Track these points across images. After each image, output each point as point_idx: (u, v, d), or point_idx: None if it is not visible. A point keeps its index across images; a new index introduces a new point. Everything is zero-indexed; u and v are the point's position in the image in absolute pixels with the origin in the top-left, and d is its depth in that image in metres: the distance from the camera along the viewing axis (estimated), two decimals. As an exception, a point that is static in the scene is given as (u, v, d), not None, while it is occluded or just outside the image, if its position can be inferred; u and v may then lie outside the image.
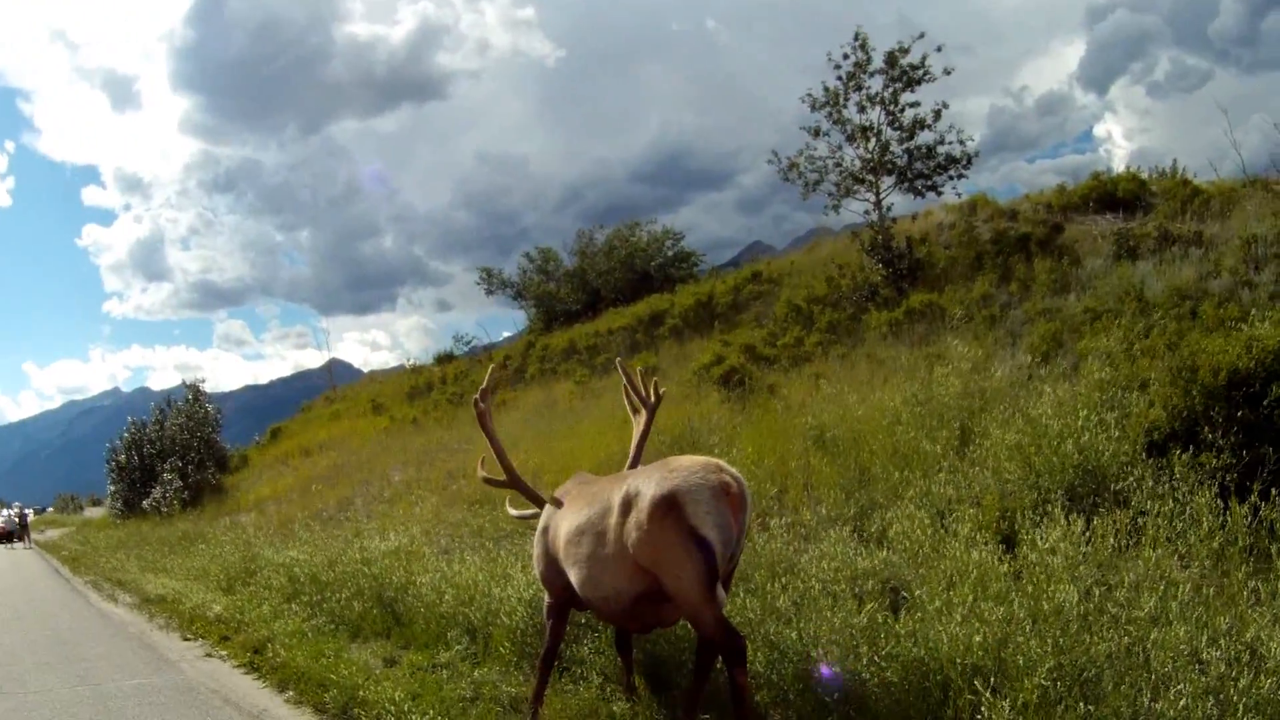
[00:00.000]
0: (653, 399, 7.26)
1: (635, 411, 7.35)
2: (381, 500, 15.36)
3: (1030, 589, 5.47)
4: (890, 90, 17.98)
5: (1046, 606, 5.15)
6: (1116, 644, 4.76)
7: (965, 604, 5.43)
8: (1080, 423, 7.56)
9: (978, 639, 4.99)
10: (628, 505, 5.43)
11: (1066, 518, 6.24)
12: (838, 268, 18.60)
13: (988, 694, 4.51)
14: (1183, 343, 8.22)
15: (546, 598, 6.41)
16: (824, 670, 5.03)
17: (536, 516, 6.84)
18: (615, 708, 6.10)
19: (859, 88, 18.12)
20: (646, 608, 5.57)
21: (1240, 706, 4.09)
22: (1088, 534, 6.05)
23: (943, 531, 6.90)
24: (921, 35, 17.91)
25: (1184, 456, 6.58)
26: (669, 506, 5.17)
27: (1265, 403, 6.69)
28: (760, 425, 11.92)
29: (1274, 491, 5.88)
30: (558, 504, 6.44)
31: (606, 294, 26.63)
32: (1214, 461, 6.50)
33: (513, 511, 7.39)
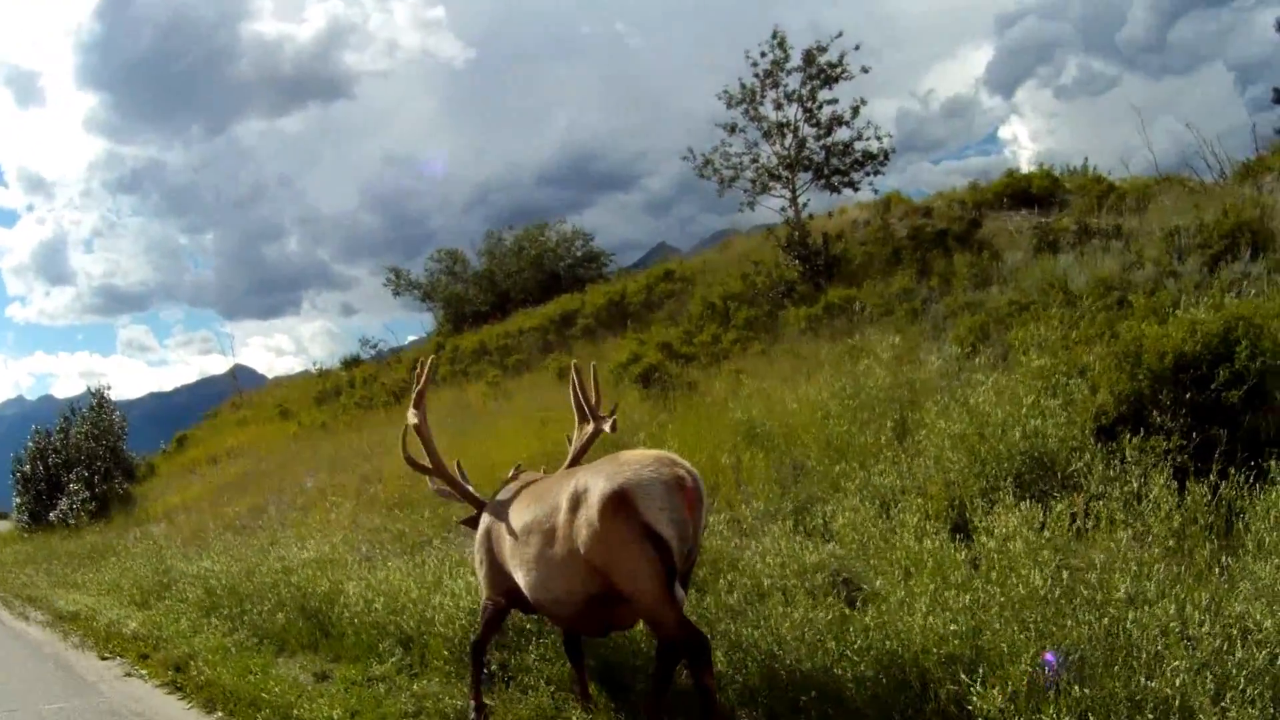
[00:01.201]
0: (608, 427, 6.78)
1: (582, 420, 7.02)
2: (295, 507, 14.89)
3: (994, 575, 5.38)
4: (808, 88, 18.09)
5: (1021, 591, 5.06)
6: (1095, 626, 4.68)
7: (927, 593, 5.36)
8: (1024, 410, 7.55)
9: (953, 627, 4.88)
10: (576, 502, 5.26)
11: (1019, 504, 6.22)
12: (754, 265, 18.66)
13: (977, 684, 4.40)
14: (1121, 328, 8.27)
15: (485, 597, 6.28)
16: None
17: (457, 500, 6.92)
18: (573, 717, 5.92)
19: (776, 85, 18.23)
20: (600, 610, 5.42)
21: (1241, 679, 4.06)
22: (1043, 520, 6.00)
23: (889, 522, 6.83)
24: (840, 34, 18.08)
25: (1134, 440, 6.58)
26: (620, 503, 5.00)
27: (1213, 385, 6.71)
28: (685, 422, 11.81)
29: (1232, 470, 5.91)
30: (475, 512, 6.54)
31: (515, 295, 26.71)
32: (1164, 444, 6.51)
33: (432, 485, 7.22)
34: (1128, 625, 4.65)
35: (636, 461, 5.15)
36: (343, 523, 12.26)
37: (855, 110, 18.10)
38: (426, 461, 6.81)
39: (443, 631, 7.25)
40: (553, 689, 6.27)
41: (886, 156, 18.41)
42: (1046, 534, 5.79)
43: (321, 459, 17.85)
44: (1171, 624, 4.55)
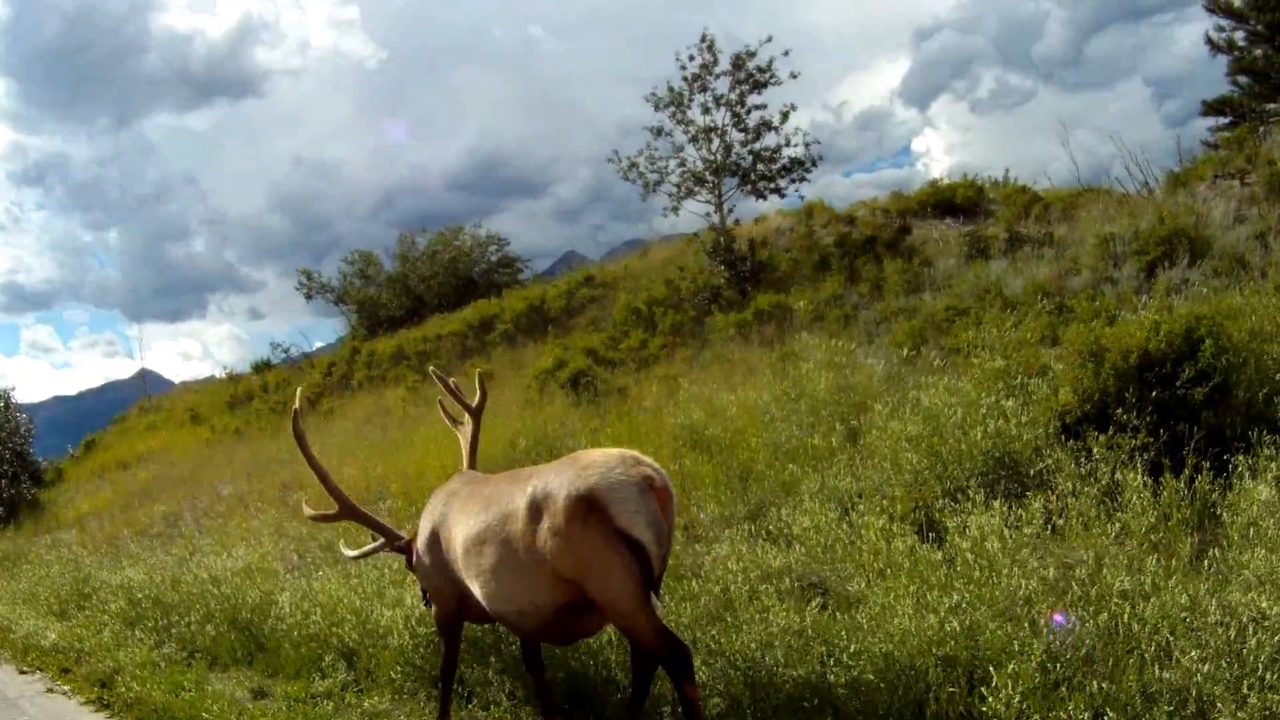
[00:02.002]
0: (478, 396, 6.97)
1: (457, 422, 7.14)
2: (213, 515, 14.33)
3: (977, 575, 5.29)
4: (736, 92, 18.07)
5: (1010, 589, 4.95)
6: (1093, 622, 4.60)
7: (909, 595, 5.24)
8: (983, 411, 7.51)
9: (950, 627, 4.75)
10: (537, 509, 4.98)
11: (987, 504, 6.18)
12: (679, 270, 18.59)
13: (982, 686, 4.28)
14: (1074, 330, 8.30)
15: (435, 610, 6.00)
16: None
17: (383, 549, 6.57)
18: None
19: (704, 89, 18.17)
20: (569, 619, 5.18)
21: (1260, 664, 4.03)
22: (1018, 519, 5.95)
23: (853, 524, 6.71)
24: (769, 39, 18.15)
25: (1102, 438, 6.56)
26: (590, 507, 4.76)
27: (1178, 383, 6.73)
28: (620, 428, 11.63)
29: (1206, 464, 5.93)
30: (404, 542, 6.34)
31: (430, 300, 26.46)
32: (1132, 442, 6.49)
33: (349, 553, 6.78)
34: (1125, 619, 4.61)
35: (601, 462, 4.90)
36: (265, 531, 11.78)
37: (785, 116, 18.16)
38: (331, 506, 6.54)
39: (395, 644, 6.95)
40: (515, 703, 6.06)
41: (814, 163, 18.49)
42: (1027, 531, 5.74)
43: (238, 465, 17.33)
44: (1182, 614, 4.54)
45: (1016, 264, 13.58)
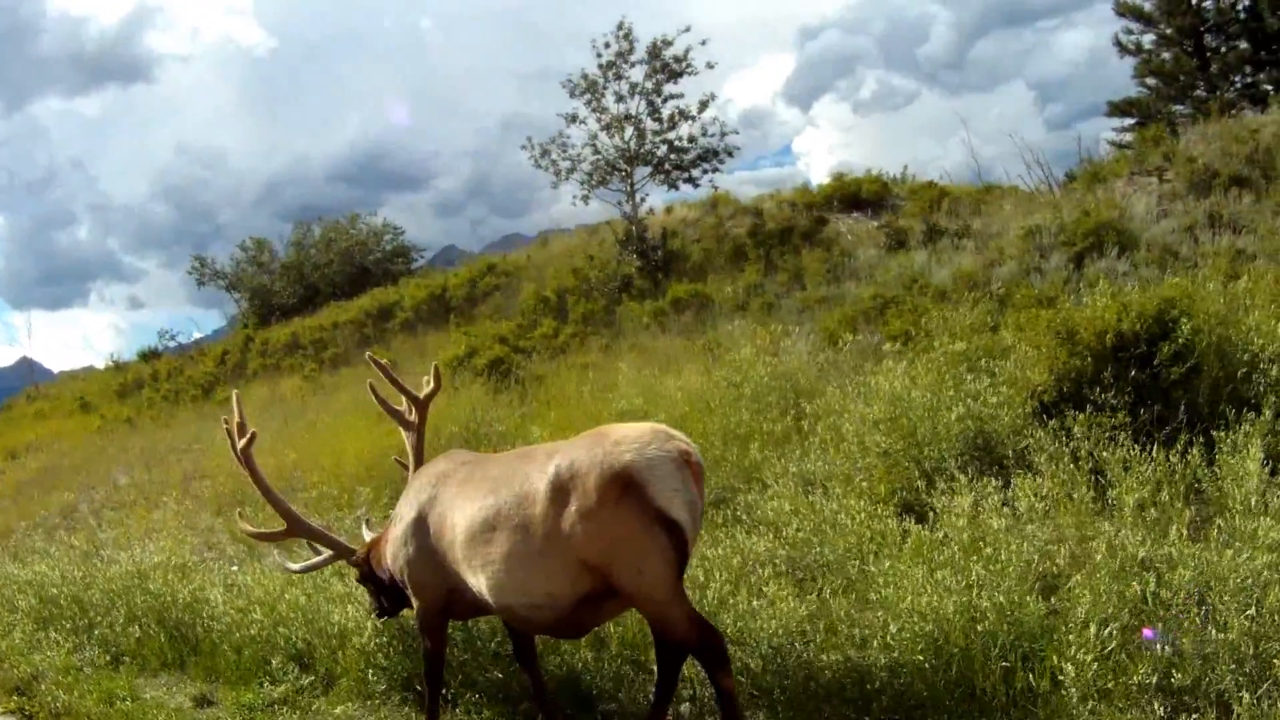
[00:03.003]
0: (430, 388, 6.54)
1: (399, 414, 6.58)
2: (111, 505, 13.59)
3: (988, 551, 5.24)
4: (653, 81, 17.99)
5: (1031, 564, 4.94)
6: (1124, 593, 4.63)
7: (927, 573, 5.16)
8: (951, 392, 7.54)
9: (985, 604, 4.70)
10: (562, 490, 4.61)
11: (972, 484, 6.18)
12: (589, 259, 18.46)
13: (1051, 658, 4.33)
14: (1028, 315, 8.44)
15: (419, 606, 5.52)
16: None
17: (331, 563, 6.39)
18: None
19: (619, 76, 18.05)
20: (587, 610, 4.84)
21: None
22: (1004, 498, 5.98)
23: (834, 506, 6.62)
24: (688, 29, 18.13)
25: (1081, 417, 6.63)
26: (625, 486, 4.44)
27: (1155, 362, 6.83)
28: (549, 415, 11.43)
29: (1201, 440, 6.09)
30: (357, 556, 6.06)
31: (324, 288, 26.04)
32: (1110, 421, 6.57)
33: (292, 566, 6.52)
34: (1151, 589, 4.66)
35: (635, 437, 4.59)
36: (171, 523, 11.20)
37: (704, 105, 18.20)
38: (277, 524, 6.21)
39: (358, 644, 6.52)
40: (507, 705, 5.78)
41: (730, 153, 18.56)
42: (1021, 507, 5.76)
43: (132, 455, 16.57)
44: (1206, 581, 4.63)
45: (937, 254, 13.82)
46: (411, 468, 6.29)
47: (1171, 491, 5.80)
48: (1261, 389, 6.68)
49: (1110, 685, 4.22)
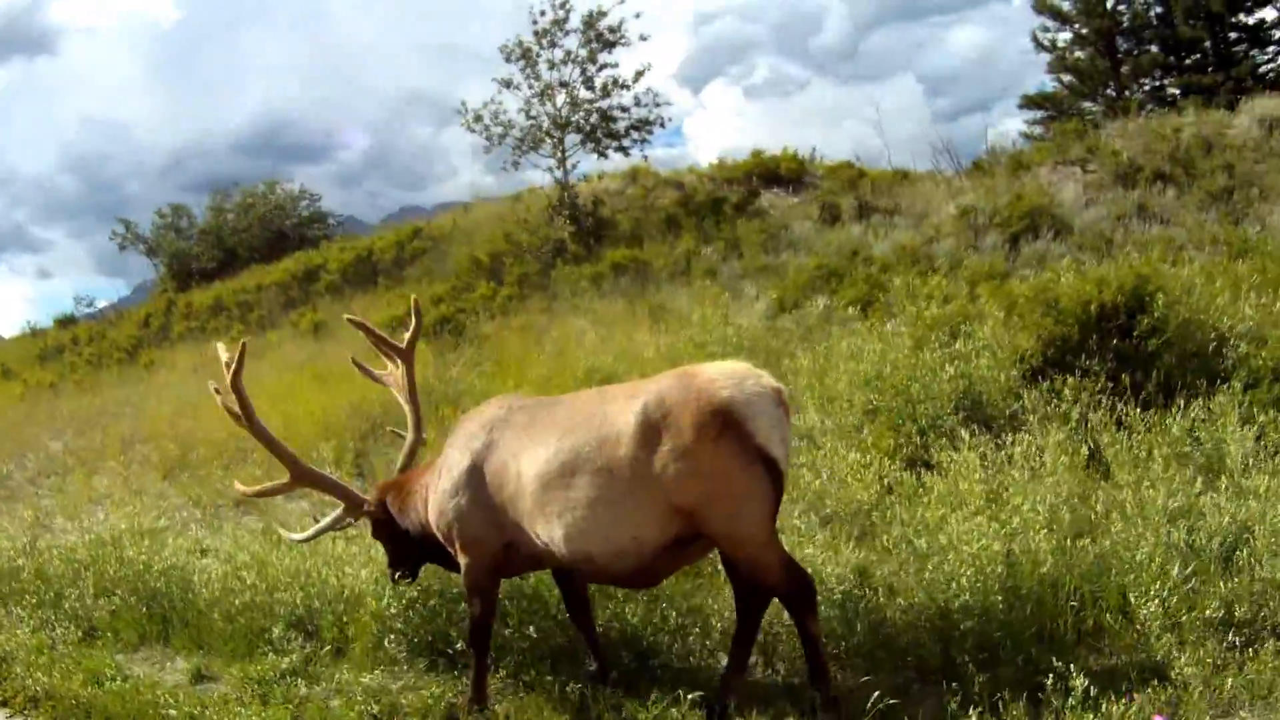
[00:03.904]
0: (412, 327, 5.93)
1: (381, 370, 6.24)
2: (49, 473, 12.98)
3: (1018, 501, 5.49)
4: (587, 50, 18.04)
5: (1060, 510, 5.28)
6: (1155, 541, 4.97)
7: (959, 522, 5.32)
8: (937, 354, 7.87)
9: (1043, 547, 4.98)
10: (653, 429, 4.34)
11: (974, 439, 6.53)
12: (523, 222, 18.42)
13: (1112, 597, 4.68)
14: (1006, 287, 8.85)
15: (467, 563, 5.06)
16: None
17: (342, 523, 5.69)
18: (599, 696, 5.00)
19: (554, 44, 18.04)
20: (670, 556, 4.59)
21: None
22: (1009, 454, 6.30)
23: (844, 461, 6.84)
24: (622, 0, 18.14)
25: (1070, 380, 7.01)
26: (726, 423, 4.22)
27: (1135, 333, 7.27)
28: (510, 373, 11.45)
29: (1200, 401, 6.49)
30: (371, 506, 5.53)
31: (242, 253, 25.74)
32: (1095, 386, 6.97)
33: (295, 536, 5.89)
34: (1184, 535, 5.05)
35: (730, 373, 4.39)
36: (118, 489, 10.77)
37: (639, 75, 18.30)
38: (281, 478, 5.62)
39: (374, 608, 5.95)
40: (553, 665, 5.43)
41: (662, 124, 18.74)
42: (1034, 460, 6.09)
43: (62, 420, 15.85)
44: (1237, 529, 5.03)
45: (873, 230, 14.24)
46: (410, 426, 5.93)
47: (1167, 452, 6.21)
48: (1232, 363, 7.16)
49: (1182, 619, 4.53)
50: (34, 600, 7.58)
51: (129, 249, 27.75)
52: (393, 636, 5.86)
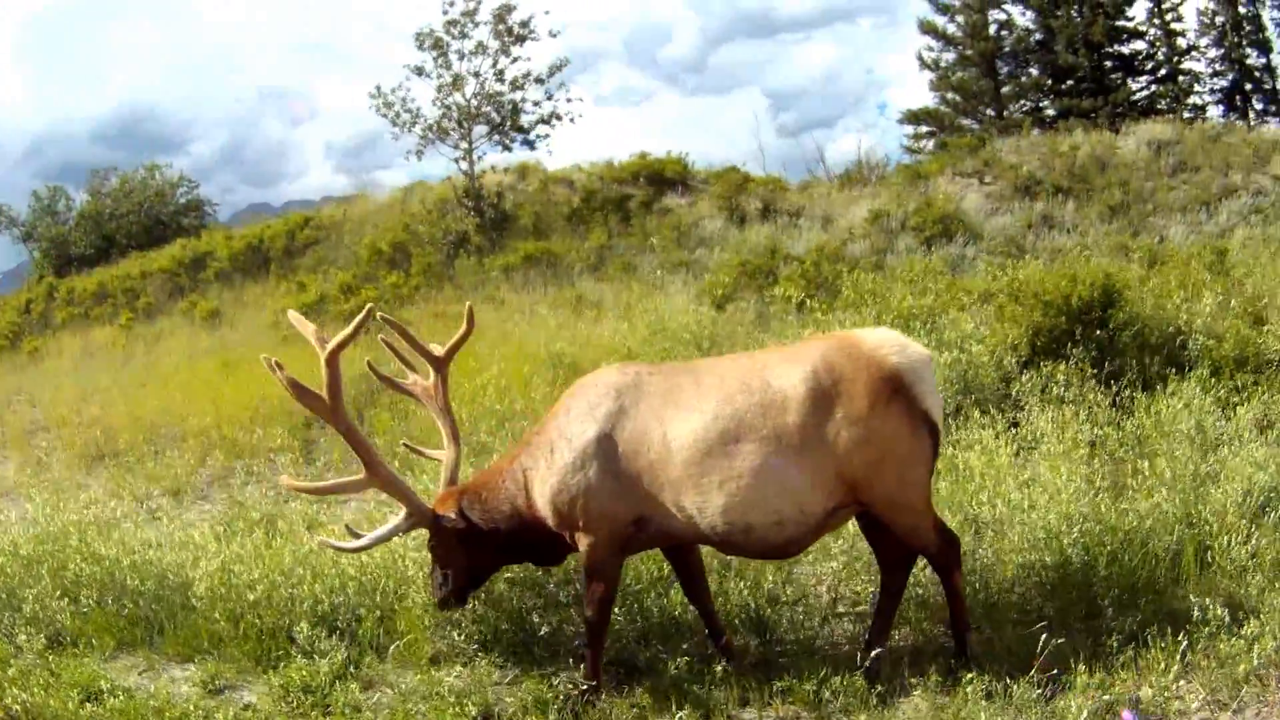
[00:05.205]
0: (463, 329, 5.16)
1: (406, 387, 5.35)
2: None
3: (1052, 475, 5.75)
4: (499, 43, 17.91)
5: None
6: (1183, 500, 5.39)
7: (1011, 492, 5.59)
8: (924, 340, 8.17)
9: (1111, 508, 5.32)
10: (825, 396, 4.20)
11: (989, 419, 6.85)
12: (427, 211, 18.13)
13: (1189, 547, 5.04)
14: (982, 281, 9.24)
15: (591, 542, 4.58)
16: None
17: (405, 531, 4.93)
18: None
19: (464, 35, 17.79)
20: (821, 528, 4.46)
21: None
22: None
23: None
24: None
25: (1062, 366, 7.43)
26: (895, 389, 4.18)
27: (1110, 325, 7.77)
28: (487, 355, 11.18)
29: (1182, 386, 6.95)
30: (432, 513, 4.82)
31: (121, 239, 24.61)
32: (1085, 373, 7.42)
33: (350, 544, 4.94)
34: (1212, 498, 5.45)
35: (892, 340, 4.35)
36: (27, 481, 9.51)
37: (554, 70, 18.29)
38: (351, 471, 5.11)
39: (420, 602, 5.32)
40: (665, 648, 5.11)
41: (572, 119, 18.81)
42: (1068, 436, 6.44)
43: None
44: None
45: (783, 231, 14.63)
46: (447, 439, 5.17)
47: (1165, 430, 6.66)
48: (1196, 355, 7.76)
49: (1247, 564, 4.93)
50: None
51: (3, 232, 26.43)
52: (457, 631, 5.24)
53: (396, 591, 5.51)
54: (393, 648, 5.23)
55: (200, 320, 16.73)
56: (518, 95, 18.25)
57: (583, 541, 4.60)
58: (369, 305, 4.73)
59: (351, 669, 5.13)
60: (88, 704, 4.95)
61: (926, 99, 22.33)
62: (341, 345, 4.40)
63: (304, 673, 4.98)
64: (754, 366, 4.48)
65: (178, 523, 7.50)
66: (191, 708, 4.88)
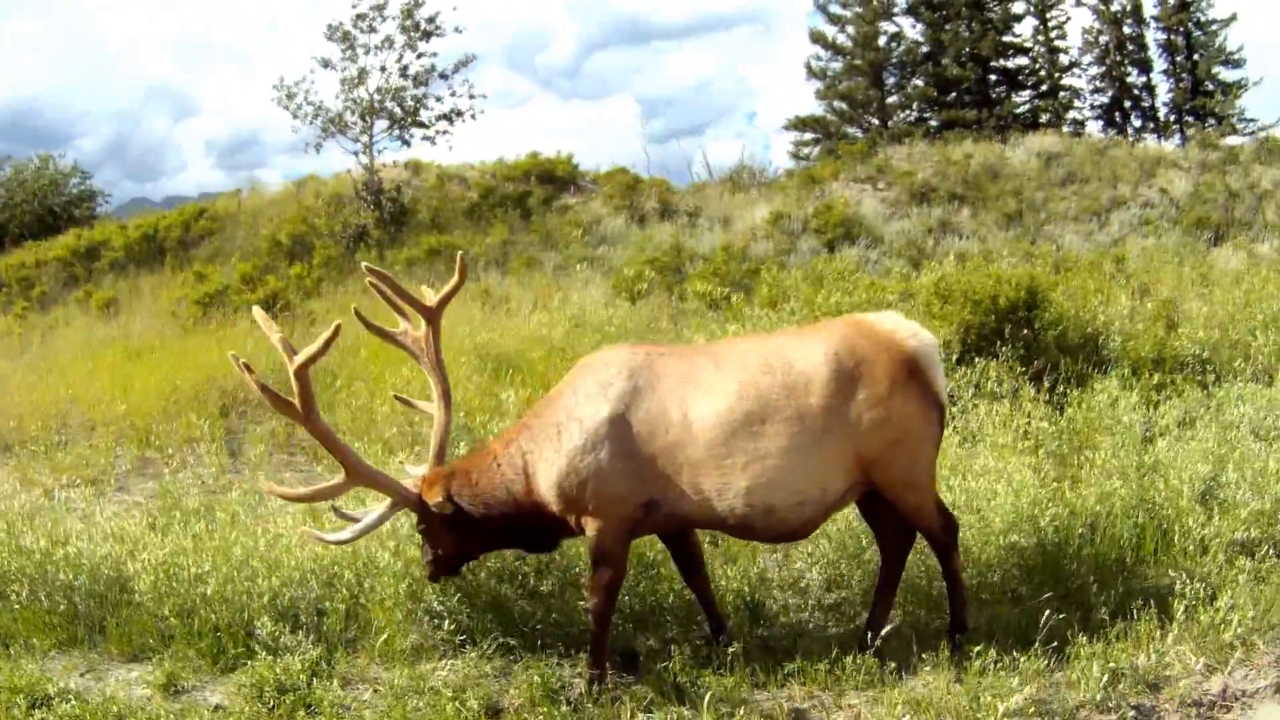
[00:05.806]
0: (454, 281, 4.84)
1: (397, 337, 5.05)
2: None
3: (1023, 460, 6.04)
4: (406, 38, 17.58)
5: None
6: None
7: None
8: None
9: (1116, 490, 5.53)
10: (848, 377, 4.22)
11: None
12: (324, 205, 17.66)
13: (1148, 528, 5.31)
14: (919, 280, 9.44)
15: (600, 526, 4.41)
16: None
17: (388, 519, 4.73)
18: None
19: (372, 29, 17.42)
20: (834, 509, 4.51)
21: None
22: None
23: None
24: None
25: (993, 364, 7.68)
26: (912, 371, 4.26)
27: (1036, 325, 8.07)
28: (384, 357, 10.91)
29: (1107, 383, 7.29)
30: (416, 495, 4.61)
31: (11, 229, 23.54)
32: (1015, 370, 7.69)
33: (337, 536, 4.69)
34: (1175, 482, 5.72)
35: (905, 324, 4.45)
36: None
37: (461, 65, 18.06)
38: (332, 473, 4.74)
39: (398, 589, 5.07)
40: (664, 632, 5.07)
41: (474, 115, 18.54)
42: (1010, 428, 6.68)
43: None
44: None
45: (683, 230, 14.75)
46: (437, 399, 4.94)
47: (1093, 425, 6.96)
48: (1115, 354, 8.15)
49: (1209, 543, 5.23)
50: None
51: None
52: (437, 620, 4.99)
53: (361, 584, 5.23)
54: (369, 643, 4.97)
55: (96, 310, 15.98)
56: (420, 91, 17.92)
57: (590, 526, 4.42)
58: (336, 323, 4.16)
59: (324, 665, 4.82)
60: (35, 710, 4.58)
61: (800, 108, 23.30)
62: (310, 360, 4.20)
63: (275, 671, 4.64)
64: (774, 348, 4.42)
65: (105, 514, 7.03)
66: (157, 711, 4.55)
